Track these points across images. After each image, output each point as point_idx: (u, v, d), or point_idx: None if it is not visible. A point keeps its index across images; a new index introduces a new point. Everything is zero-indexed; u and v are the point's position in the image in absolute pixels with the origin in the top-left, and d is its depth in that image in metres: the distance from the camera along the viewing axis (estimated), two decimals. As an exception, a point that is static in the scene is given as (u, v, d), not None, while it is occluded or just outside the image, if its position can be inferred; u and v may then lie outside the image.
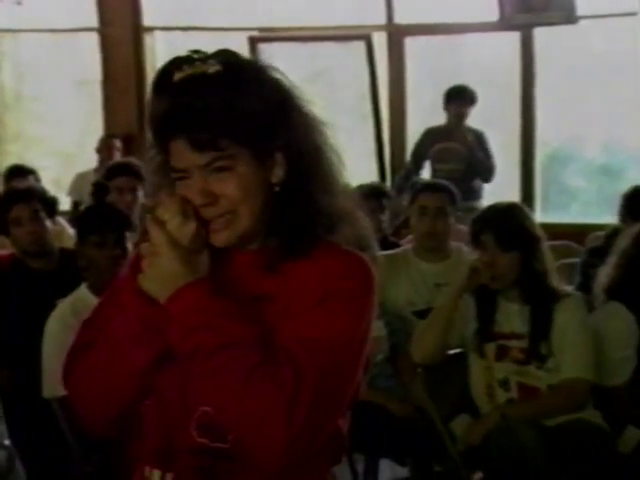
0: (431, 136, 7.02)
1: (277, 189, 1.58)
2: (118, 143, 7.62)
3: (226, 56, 1.57)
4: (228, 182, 1.54)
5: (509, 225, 3.51)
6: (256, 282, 1.59)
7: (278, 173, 1.58)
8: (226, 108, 1.52)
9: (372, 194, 4.76)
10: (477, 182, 6.83)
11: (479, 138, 6.91)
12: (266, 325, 1.53)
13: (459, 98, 6.93)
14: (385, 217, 4.89)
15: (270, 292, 1.58)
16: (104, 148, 7.54)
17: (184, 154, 1.54)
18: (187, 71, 1.53)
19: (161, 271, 1.52)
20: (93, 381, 1.61)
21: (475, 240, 3.58)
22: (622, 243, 3.68)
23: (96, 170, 7.25)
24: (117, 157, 7.37)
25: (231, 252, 1.60)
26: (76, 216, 4.53)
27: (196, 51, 1.56)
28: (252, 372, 1.46)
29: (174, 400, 1.60)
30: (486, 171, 6.87)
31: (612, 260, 3.66)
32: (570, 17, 7.05)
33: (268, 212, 1.58)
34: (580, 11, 7.06)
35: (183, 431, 1.59)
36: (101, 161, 7.44)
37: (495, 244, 3.48)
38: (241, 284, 1.59)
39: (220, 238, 1.56)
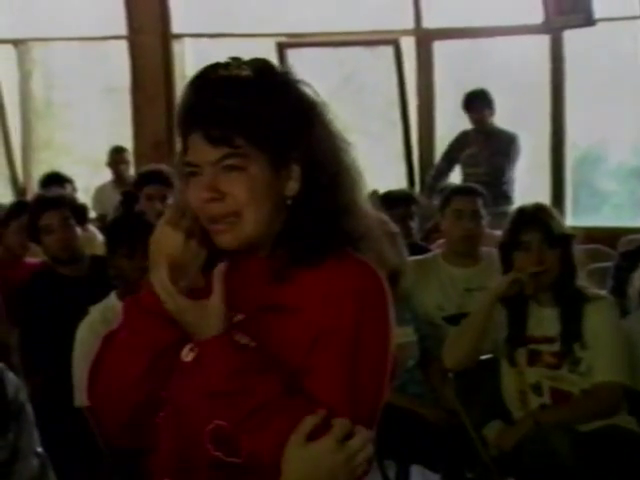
0: (465, 139, 6.98)
1: (289, 202, 1.58)
2: (129, 156, 7.64)
3: (260, 64, 1.59)
4: (237, 182, 1.54)
5: (551, 221, 3.50)
6: (264, 291, 1.59)
7: (293, 186, 1.58)
8: (246, 108, 1.53)
9: (401, 201, 4.74)
10: (508, 187, 6.78)
11: (508, 142, 6.86)
12: (276, 336, 1.54)
13: (473, 103, 6.89)
14: (414, 224, 4.87)
15: (278, 302, 1.57)
16: (113, 162, 7.54)
17: (199, 148, 1.55)
18: (221, 74, 1.56)
19: (175, 313, 1.55)
20: (103, 389, 1.64)
21: (515, 244, 3.53)
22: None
23: (114, 182, 7.34)
24: (126, 170, 7.43)
25: (238, 259, 1.60)
26: (105, 226, 4.54)
27: (235, 58, 1.59)
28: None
29: (189, 413, 1.59)
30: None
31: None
32: (589, 19, 6.99)
33: (278, 223, 1.58)
34: (609, 13, 7.00)
35: (198, 444, 1.58)
36: (115, 174, 7.49)
37: (541, 241, 3.46)
38: (248, 292, 1.59)
39: (224, 240, 1.56)
